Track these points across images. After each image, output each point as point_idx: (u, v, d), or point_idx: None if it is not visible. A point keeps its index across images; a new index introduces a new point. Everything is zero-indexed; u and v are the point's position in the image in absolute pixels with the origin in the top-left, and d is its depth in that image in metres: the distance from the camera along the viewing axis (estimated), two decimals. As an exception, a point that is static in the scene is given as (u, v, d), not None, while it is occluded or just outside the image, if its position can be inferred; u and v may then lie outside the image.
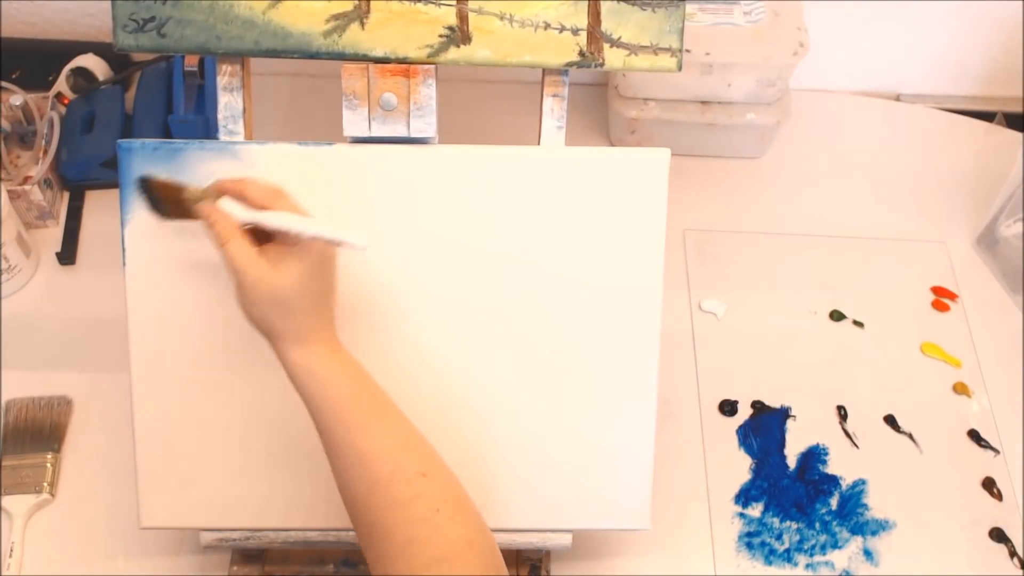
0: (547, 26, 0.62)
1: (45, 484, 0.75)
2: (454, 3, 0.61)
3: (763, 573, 0.75)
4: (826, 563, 0.76)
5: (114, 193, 0.90)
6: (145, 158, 0.63)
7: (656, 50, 0.63)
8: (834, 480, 0.80)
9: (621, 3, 0.62)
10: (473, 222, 0.65)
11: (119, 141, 0.63)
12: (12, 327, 0.84)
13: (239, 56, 0.63)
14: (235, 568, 0.72)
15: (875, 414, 0.84)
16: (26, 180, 0.88)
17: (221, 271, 0.63)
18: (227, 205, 0.56)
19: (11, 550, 0.72)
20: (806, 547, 0.76)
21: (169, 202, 0.58)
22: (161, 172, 0.61)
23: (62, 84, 0.96)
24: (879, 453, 0.82)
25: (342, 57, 0.62)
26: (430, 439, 0.66)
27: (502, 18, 0.62)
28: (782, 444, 0.82)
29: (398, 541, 0.53)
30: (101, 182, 0.93)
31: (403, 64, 0.62)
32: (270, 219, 0.56)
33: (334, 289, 0.59)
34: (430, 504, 0.55)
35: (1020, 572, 0.77)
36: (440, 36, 0.62)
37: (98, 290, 0.87)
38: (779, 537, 0.77)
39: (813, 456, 0.81)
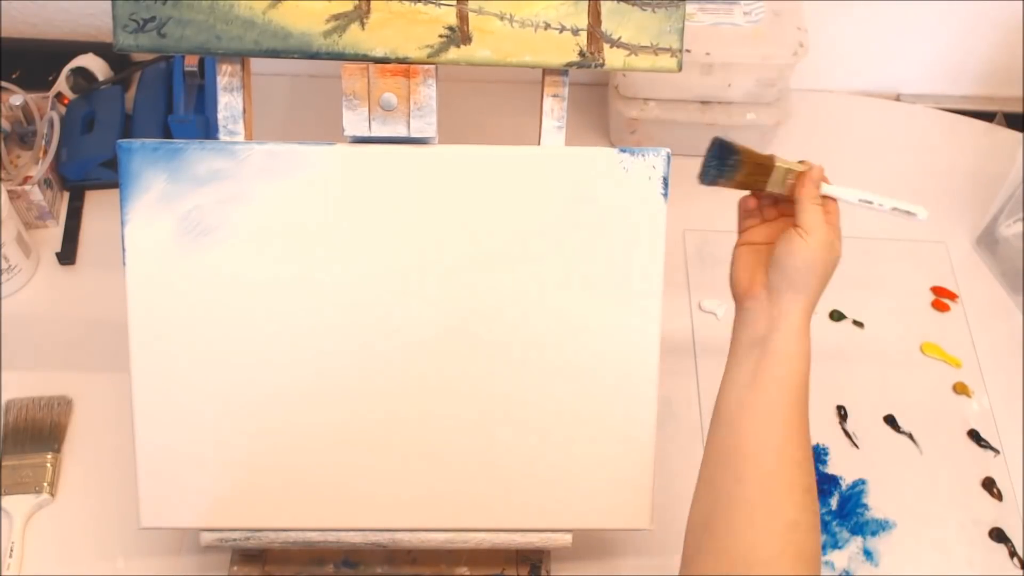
0: (547, 26, 0.62)
1: (45, 484, 0.75)
2: (454, 3, 0.61)
3: (763, 573, 0.75)
4: (826, 563, 0.76)
5: (114, 193, 0.91)
6: (145, 158, 0.63)
7: (656, 50, 0.63)
8: (834, 480, 0.80)
9: (621, 3, 0.62)
10: (473, 222, 0.65)
11: (119, 141, 0.63)
12: (12, 327, 0.84)
13: (239, 56, 0.63)
14: (235, 568, 0.72)
15: (875, 414, 0.84)
16: (26, 180, 0.88)
17: (221, 271, 0.64)
18: (829, 189, 0.65)
19: (11, 550, 0.72)
20: (806, 547, 0.76)
21: (747, 165, 0.64)
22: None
23: (62, 84, 0.95)
24: (879, 453, 0.82)
25: (342, 57, 0.62)
26: (430, 439, 0.66)
27: (502, 18, 0.62)
28: (782, 444, 0.82)
29: (781, 523, 0.56)
30: (101, 182, 0.93)
31: (403, 64, 0.62)
32: (848, 193, 0.65)
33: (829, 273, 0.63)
34: (815, 502, 0.59)
35: (1020, 572, 0.77)
36: (440, 36, 0.62)
37: (98, 290, 0.87)
38: (779, 537, 0.77)
39: (813, 456, 0.81)
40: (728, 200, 1.02)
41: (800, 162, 0.65)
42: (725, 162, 0.63)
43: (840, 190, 0.65)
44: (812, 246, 0.61)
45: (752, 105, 0.95)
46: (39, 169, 0.89)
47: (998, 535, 0.78)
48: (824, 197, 0.64)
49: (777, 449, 0.58)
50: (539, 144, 0.65)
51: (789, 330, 0.61)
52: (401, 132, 0.63)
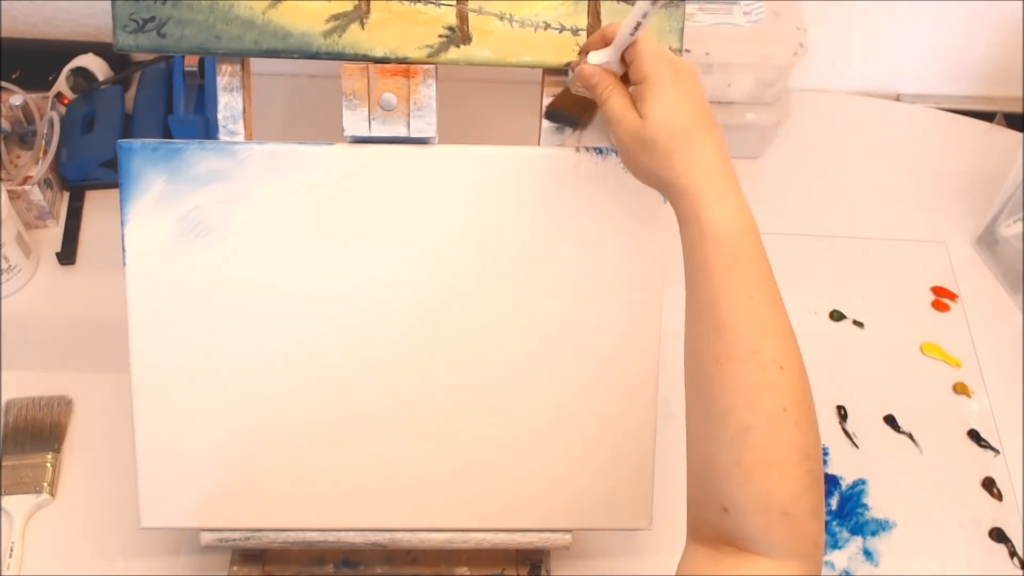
0: (547, 26, 0.62)
1: (45, 484, 0.75)
2: (454, 3, 0.61)
3: (763, 573, 0.75)
4: (826, 563, 0.76)
5: (114, 193, 0.91)
6: (145, 158, 0.63)
7: (656, 50, 0.63)
8: (834, 480, 0.80)
9: (621, 3, 0.62)
10: (473, 222, 0.65)
11: (119, 141, 0.63)
12: (12, 327, 0.84)
13: (239, 56, 0.63)
14: (235, 568, 0.72)
15: (875, 414, 0.84)
16: (26, 180, 0.88)
17: (221, 271, 0.64)
18: (595, 57, 0.55)
19: (11, 550, 0.72)
20: (806, 547, 0.76)
21: (576, 109, 0.61)
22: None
23: (62, 84, 0.95)
24: (879, 453, 0.82)
25: (342, 57, 0.62)
26: (429, 439, 0.66)
27: (502, 18, 0.62)
28: (782, 444, 0.82)
29: (732, 427, 0.49)
30: (101, 182, 0.93)
31: (403, 64, 0.62)
32: (618, 39, 0.54)
33: (702, 122, 0.53)
34: (779, 401, 0.50)
35: (1020, 572, 0.77)
36: (440, 36, 0.62)
37: (98, 290, 0.87)
38: (779, 537, 0.77)
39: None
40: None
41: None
42: (567, 121, 0.63)
43: (614, 44, 0.55)
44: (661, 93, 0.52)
45: (752, 105, 0.95)
46: (39, 169, 0.89)
47: (998, 535, 0.78)
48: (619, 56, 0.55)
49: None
50: (539, 144, 0.65)
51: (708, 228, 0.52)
52: (401, 132, 0.63)
